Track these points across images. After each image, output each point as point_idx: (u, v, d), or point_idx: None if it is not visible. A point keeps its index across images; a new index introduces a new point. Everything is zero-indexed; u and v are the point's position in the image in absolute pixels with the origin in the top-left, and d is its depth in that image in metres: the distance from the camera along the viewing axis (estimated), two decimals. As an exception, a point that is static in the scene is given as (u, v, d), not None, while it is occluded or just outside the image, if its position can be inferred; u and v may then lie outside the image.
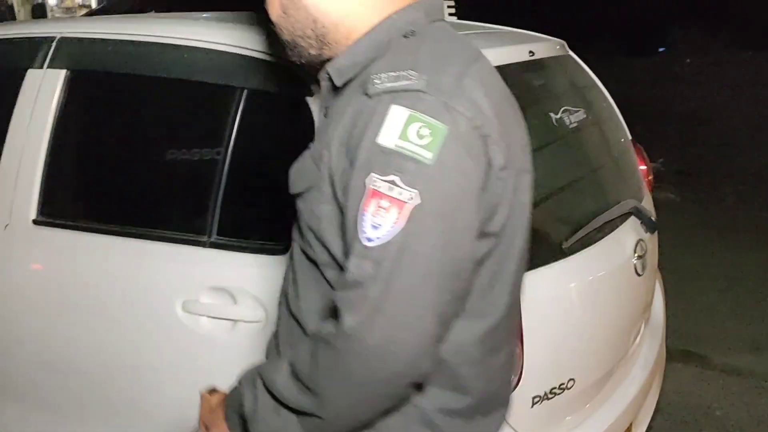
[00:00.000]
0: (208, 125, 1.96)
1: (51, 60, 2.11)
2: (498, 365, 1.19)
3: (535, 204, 1.93)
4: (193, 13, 2.29)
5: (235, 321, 1.81)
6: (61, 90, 2.09)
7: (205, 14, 2.22)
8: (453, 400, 1.13)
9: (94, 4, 22.66)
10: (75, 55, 2.10)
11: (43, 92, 2.11)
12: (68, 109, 2.09)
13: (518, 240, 1.13)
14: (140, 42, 2.02)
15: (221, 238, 1.86)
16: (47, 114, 2.08)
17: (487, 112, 1.02)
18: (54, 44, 2.12)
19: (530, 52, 2.14)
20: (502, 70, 1.96)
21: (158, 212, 2.02)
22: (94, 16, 2.49)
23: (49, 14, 22.69)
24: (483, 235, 1.04)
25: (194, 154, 1.96)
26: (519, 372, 1.70)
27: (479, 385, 1.15)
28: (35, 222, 2.08)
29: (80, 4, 23.92)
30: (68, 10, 23.53)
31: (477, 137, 1.00)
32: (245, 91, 1.86)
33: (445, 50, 1.08)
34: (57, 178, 2.09)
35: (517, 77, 2.07)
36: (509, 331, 1.23)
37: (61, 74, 2.09)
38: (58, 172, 2.10)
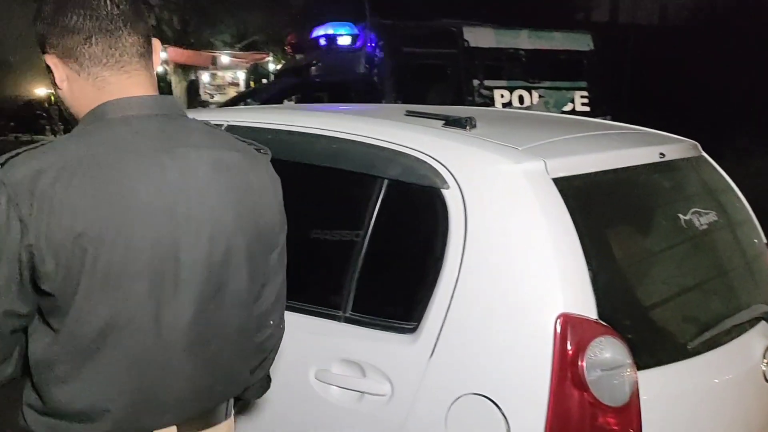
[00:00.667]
0: (350, 210, 2.14)
1: (217, 144, 2.37)
2: None
3: (662, 302, 1.99)
4: (339, 105, 2.51)
5: (362, 393, 1.93)
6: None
7: (352, 107, 2.44)
8: None
9: (242, 83, 24.31)
10: (238, 141, 2.36)
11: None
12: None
13: None
14: (296, 132, 2.25)
15: (355, 314, 2.01)
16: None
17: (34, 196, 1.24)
18: (221, 131, 2.39)
19: (660, 154, 2.20)
20: (630, 171, 2.06)
21: (300, 286, 2.20)
22: (256, 106, 2.79)
23: (201, 91, 24.56)
24: None
25: (336, 235, 2.14)
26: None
27: None
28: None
29: (230, 82, 25.74)
30: (219, 87, 25.36)
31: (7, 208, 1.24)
32: (385, 181, 2.03)
33: (58, 145, 1.33)
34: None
35: (646, 178, 2.14)
36: None
37: (224, 157, 2.35)
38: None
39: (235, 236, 1.43)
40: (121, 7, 1.37)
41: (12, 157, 1.28)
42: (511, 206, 1.83)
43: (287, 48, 9.05)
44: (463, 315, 1.81)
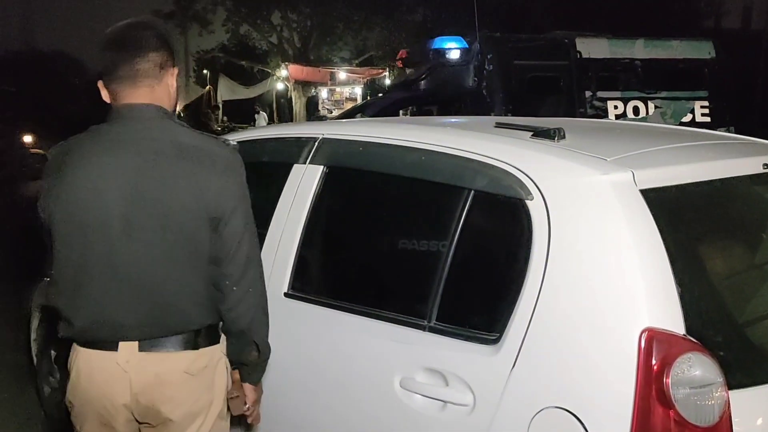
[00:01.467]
0: (437, 221, 2.16)
1: (313, 157, 2.47)
2: None
3: (757, 319, 1.89)
4: (433, 118, 2.54)
5: (445, 402, 1.94)
6: (318, 183, 2.42)
7: (442, 119, 2.47)
8: None
9: (359, 99, 24.78)
10: (332, 153, 2.44)
11: (303, 184, 2.46)
12: (322, 199, 2.41)
13: None
14: (386, 144, 2.30)
15: (440, 323, 2.03)
16: (305, 203, 2.43)
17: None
18: (316, 144, 2.48)
19: (765, 165, 2.10)
20: (728, 182, 1.97)
21: (387, 295, 2.25)
22: (351, 120, 2.87)
23: (320, 106, 25.24)
24: None
25: (422, 246, 2.16)
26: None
27: None
28: (286, 295, 2.40)
29: (347, 97, 26.29)
30: (337, 102, 25.97)
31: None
32: (471, 192, 2.04)
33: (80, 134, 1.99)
34: (307, 258, 2.41)
35: (745, 190, 2.05)
36: None
37: (320, 169, 2.43)
38: (309, 253, 2.41)
39: (169, 207, 1.88)
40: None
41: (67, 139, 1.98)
42: (597, 217, 1.80)
43: (398, 63, 9.15)
44: (546, 327, 1.79)
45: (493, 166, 2.01)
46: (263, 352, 2.05)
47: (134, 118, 1.93)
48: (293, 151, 2.56)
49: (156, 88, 1.96)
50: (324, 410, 2.24)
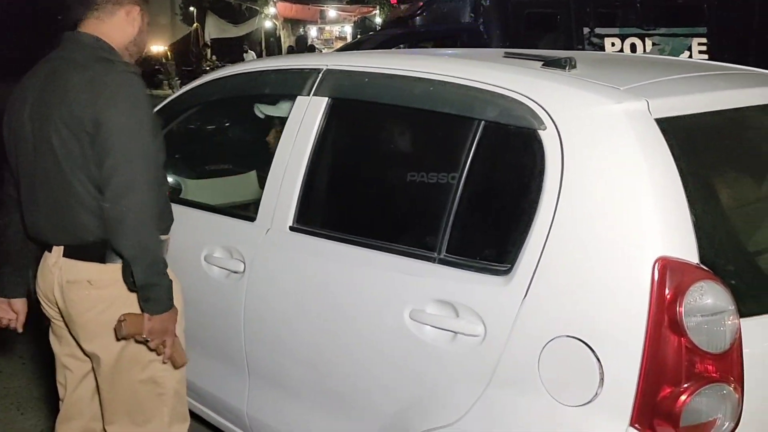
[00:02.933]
0: (446, 152, 2.14)
1: (317, 88, 2.42)
2: None
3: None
4: (438, 49, 2.49)
5: (455, 333, 1.95)
6: (323, 115, 2.38)
7: (449, 51, 2.42)
8: None
9: (349, 37, 24.43)
10: (337, 85, 2.39)
11: (307, 116, 2.42)
12: (327, 132, 2.38)
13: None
14: (393, 75, 2.26)
15: (450, 255, 2.02)
16: (309, 135, 2.39)
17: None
18: (320, 75, 2.43)
19: (776, 94, 2.08)
20: (741, 112, 1.96)
21: (395, 228, 2.24)
22: (355, 51, 2.81)
23: (309, 45, 24.85)
24: None
25: (431, 178, 2.14)
26: (737, 418, 1.67)
27: None
28: (291, 228, 2.39)
29: (337, 36, 25.92)
30: (326, 41, 25.60)
31: None
32: (482, 122, 2.01)
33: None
34: (312, 192, 2.39)
35: (758, 121, 2.03)
36: None
37: (324, 101, 2.39)
38: (314, 186, 2.39)
39: (54, 121, 2.01)
40: None
41: None
42: (611, 147, 1.78)
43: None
44: (558, 257, 1.79)
45: (503, 96, 1.98)
46: (140, 279, 2.05)
47: (70, 43, 2.10)
48: (296, 83, 2.51)
49: (106, 22, 2.11)
50: (332, 344, 2.25)
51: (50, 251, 2.18)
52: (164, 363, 2.20)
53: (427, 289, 2.03)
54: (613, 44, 7.16)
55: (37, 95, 2.07)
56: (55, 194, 2.08)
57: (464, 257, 2.00)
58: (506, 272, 1.88)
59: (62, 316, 2.24)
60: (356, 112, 2.40)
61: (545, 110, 1.89)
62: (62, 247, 2.14)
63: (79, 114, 1.98)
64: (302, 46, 24.73)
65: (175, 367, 2.23)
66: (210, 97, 2.93)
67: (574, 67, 2.04)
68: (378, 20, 23.36)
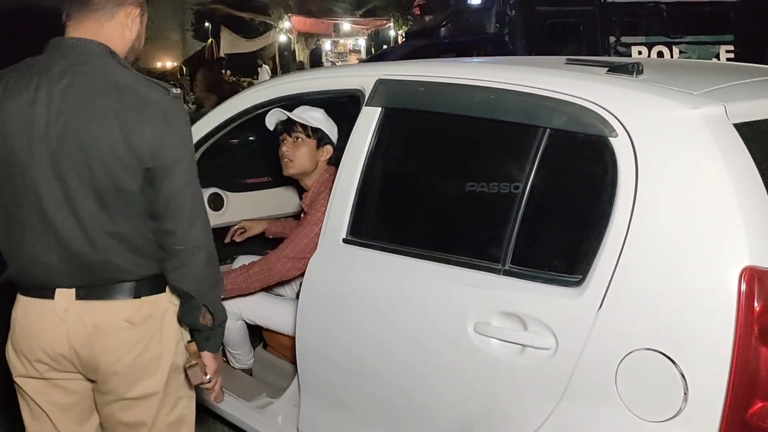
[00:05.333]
0: (509, 161, 2.10)
1: (370, 99, 2.38)
2: None
3: None
4: (496, 57, 2.45)
5: (524, 346, 1.90)
6: (376, 125, 2.34)
7: (508, 58, 2.38)
8: None
9: (363, 51, 24.49)
10: (390, 95, 2.35)
11: (360, 127, 2.38)
12: (381, 142, 2.34)
13: None
14: (450, 84, 2.21)
15: (515, 266, 1.97)
16: (363, 146, 2.35)
17: None
18: (373, 85, 2.39)
19: None
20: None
21: (457, 239, 2.19)
22: (408, 61, 2.77)
23: (323, 59, 24.95)
24: None
25: (494, 187, 2.09)
26: None
27: None
28: (345, 241, 2.34)
29: (351, 49, 25.98)
30: (340, 54, 25.67)
31: None
32: (547, 130, 1.97)
33: None
34: (366, 203, 2.35)
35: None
36: None
37: (377, 111, 2.35)
38: (368, 197, 2.35)
39: (98, 149, 1.75)
40: None
41: None
42: (689, 153, 1.74)
43: (415, 9, 8.99)
44: (635, 267, 1.73)
45: (570, 103, 1.93)
46: (217, 317, 1.93)
47: (72, 51, 1.81)
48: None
49: (105, 26, 1.84)
50: (392, 360, 2.20)
51: (50, 297, 1.86)
52: (216, 401, 2.11)
53: (492, 301, 1.98)
54: (639, 53, 7.12)
55: (58, 114, 1.75)
56: (87, 233, 1.80)
57: (531, 268, 1.95)
58: (578, 283, 1.83)
59: (80, 372, 1.93)
60: (412, 121, 2.35)
61: (615, 117, 1.84)
62: (72, 290, 1.85)
63: (137, 145, 1.75)
64: (316, 60, 24.82)
65: (217, 402, 2.11)
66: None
67: (641, 72, 2.00)
68: (392, 33, 23.41)
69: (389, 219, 2.41)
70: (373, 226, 2.38)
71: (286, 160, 2.98)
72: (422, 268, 2.15)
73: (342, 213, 2.36)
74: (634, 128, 1.81)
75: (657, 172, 1.75)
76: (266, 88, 2.88)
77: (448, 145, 2.29)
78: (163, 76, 27.09)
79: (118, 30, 1.87)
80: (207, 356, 1.98)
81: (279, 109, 2.88)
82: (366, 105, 2.39)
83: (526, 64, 2.21)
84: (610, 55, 7.02)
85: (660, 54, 7.16)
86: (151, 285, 1.91)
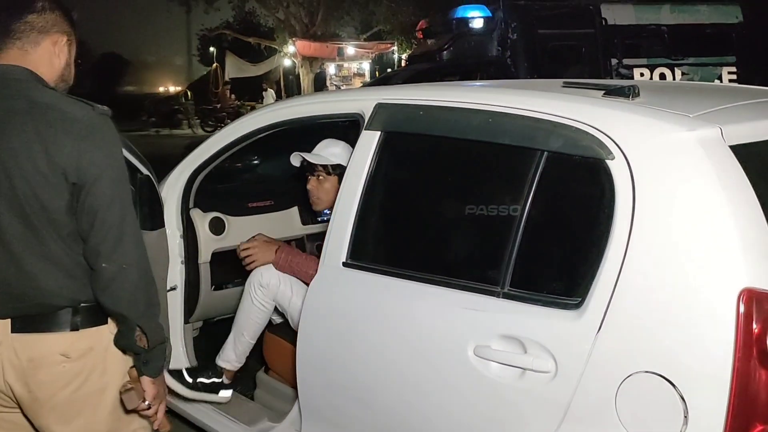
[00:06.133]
0: (507, 184, 2.10)
1: (369, 123, 2.40)
2: None
3: None
4: (494, 81, 2.47)
5: (524, 369, 1.89)
6: (375, 149, 2.35)
7: (505, 82, 2.39)
8: None
9: (367, 74, 24.61)
10: (390, 119, 2.37)
11: (359, 150, 2.39)
12: (380, 166, 2.35)
13: None
14: (449, 107, 2.23)
15: (514, 289, 1.97)
16: (362, 169, 2.36)
17: None
18: (372, 109, 2.41)
19: None
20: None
21: (457, 262, 2.19)
22: (407, 85, 2.80)
23: (328, 82, 25.10)
24: None
25: (492, 210, 2.10)
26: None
27: None
28: (345, 264, 2.34)
29: (355, 72, 26.12)
30: (345, 78, 25.80)
31: None
32: (545, 153, 1.97)
33: None
34: (366, 226, 2.35)
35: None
36: None
37: (377, 135, 2.36)
38: (368, 221, 2.35)
39: (21, 170, 1.71)
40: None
41: None
42: (685, 176, 1.74)
43: (418, 33, 9.04)
44: (634, 289, 1.73)
45: (567, 126, 1.94)
46: (152, 339, 1.86)
47: None
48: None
49: (30, 53, 1.83)
50: (392, 383, 2.19)
51: None
52: (162, 430, 2.02)
53: (492, 324, 1.98)
54: (641, 75, 7.15)
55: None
56: (15, 256, 1.76)
57: (530, 291, 1.95)
58: (577, 306, 1.83)
59: (17, 405, 1.88)
60: (411, 145, 2.36)
61: (612, 139, 1.85)
62: (7, 321, 1.79)
63: (59, 161, 1.71)
64: (320, 84, 24.96)
65: (163, 429, 2.03)
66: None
67: (638, 95, 2.01)
68: (395, 56, 23.55)
69: (389, 242, 2.42)
70: (373, 250, 2.38)
71: (314, 198, 3.12)
72: (422, 291, 2.15)
73: (342, 236, 2.36)
74: (630, 151, 1.81)
75: (654, 194, 1.76)
76: (267, 113, 2.90)
77: (446, 169, 2.30)
78: (169, 99, 27.27)
79: (44, 58, 1.85)
80: (146, 381, 1.91)
81: (299, 153, 3.04)
82: (365, 129, 2.41)
83: (523, 87, 2.22)
84: (612, 77, 7.06)
85: (662, 76, 7.19)
86: (90, 315, 1.85)
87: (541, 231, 2.00)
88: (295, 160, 3.10)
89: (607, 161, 1.84)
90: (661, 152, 1.79)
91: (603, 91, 2.07)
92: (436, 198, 2.30)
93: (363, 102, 2.50)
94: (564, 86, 2.25)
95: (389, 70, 22.81)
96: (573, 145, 1.92)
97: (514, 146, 2.06)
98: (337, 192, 2.83)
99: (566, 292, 1.88)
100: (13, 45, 1.82)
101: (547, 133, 1.98)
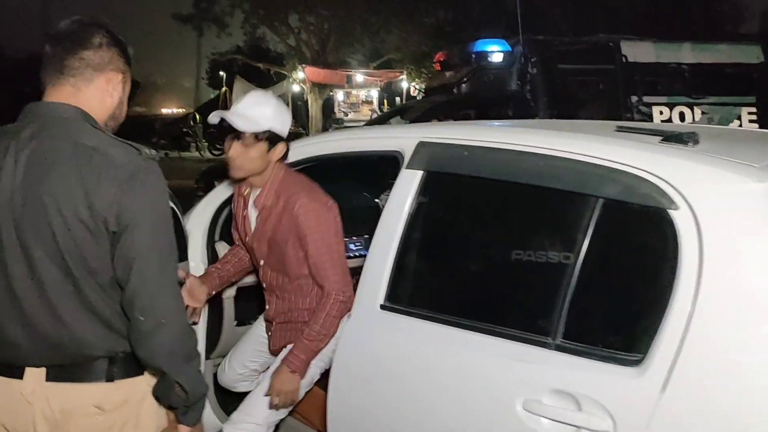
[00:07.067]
0: (559, 230, 2.02)
1: (411, 161, 2.32)
2: None
3: None
4: (541, 121, 2.40)
5: (578, 428, 1.80)
6: (417, 188, 2.28)
7: (554, 122, 2.33)
8: None
9: (375, 102, 24.68)
10: (433, 158, 2.30)
11: (399, 189, 2.32)
12: (422, 206, 2.27)
13: None
14: (497, 149, 2.16)
15: (567, 341, 1.88)
16: (402, 209, 2.28)
17: None
18: (414, 147, 2.34)
19: None
20: None
21: (504, 310, 2.11)
22: (449, 122, 2.74)
23: (336, 109, 25.16)
24: None
25: (542, 257, 2.02)
26: None
27: None
28: (382, 307, 2.26)
29: (363, 100, 26.20)
30: (353, 105, 25.87)
31: None
32: (600, 200, 1.90)
33: None
34: (406, 268, 2.27)
35: None
36: None
37: (418, 174, 2.29)
38: (408, 262, 2.27)
39: (62, 215, 1.64)
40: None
41: None
42: (756, 228, 1.66)
43: (435, 65, 9.03)
44: (702, 348, 1.65)
45: (625, 173, 1.87)
46: (192, 392, 1.78)
47: (42, 115, 1.73)
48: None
49: (83, 90, 1.75)
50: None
51: (19, 377, 1.72)
52: None
53: (543, 377, 1.89)
54: (661, 113, 7.12)
55: (22, 180, 1.67)
56: (51, 304, 1.69)
57: (584, 344, 1.86)
58: (638, 362, 1.74)
59: None
60: (455, 186, 2.29)
61: (675, 188, 1.78)
62: (42, 370, 1.72)
63: (100, 208, 1.64)
64: (329, 110, 25.02)
65: None
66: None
67: (697, 142, 1.94)
68: (404, 84, 23.61)
69: (431, 285, 2.34)
70: (414, 293, 2.30)
71: (235, 165, 2.62)
72: (466, 339, 2.06)
73: (379, 277, 2.28)
74: (696, 201, 1.74)
75: (723, 247, 1.68)
76: (298, 147, 2.83)
77: (494, 212, 2.22)
78: (177, 122, 27.33)
79: (96, 96, 1.78)
80: (183, 430, 1.86)
81: (219, 111, 2.64)
82: (406, 167, 2.34)
83: (576, 129, 2.15)
84: (632, 115, 7.02)
85: (682, 114, 7.15)
86: (126, 365, 1.77)
87: (596, 281, 1.92)
88: (215, 118, 2.64)
89: (670, 211, 1.76)
90: (730, 204, 1.72)
91: (660, 137, 2.00)
92: (482, 241, 2.22)
93: (403, 140, 2.43)
94: (617, 130, 2.18)
95: (398, 98, 22.85)
96: (631, 192, 1.85)
97: (568, 192, 1.98)
98: (263, 160, 2.59)
99: (625, 347, 1.79)
100: (67, 82, 1.74)
101: (603, 179, 1.91)
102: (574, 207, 1.97)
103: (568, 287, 1.90)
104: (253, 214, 2.73)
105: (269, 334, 2.82)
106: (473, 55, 7.38)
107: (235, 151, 2.59)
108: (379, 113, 18.65)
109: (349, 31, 24.12)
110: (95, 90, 1.77)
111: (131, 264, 1.67)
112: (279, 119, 2.59)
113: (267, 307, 2.82)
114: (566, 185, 1.99)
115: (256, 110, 2.57)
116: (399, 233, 2.27)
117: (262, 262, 2.74)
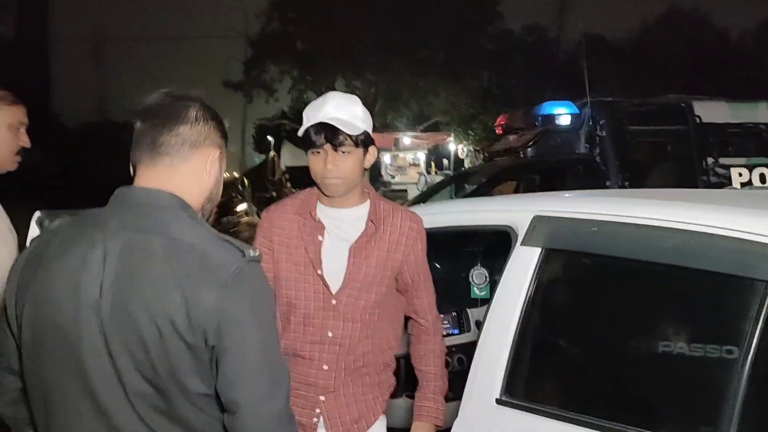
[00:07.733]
0: (720, 319, 1.76)
1: (527, 237, 2.10)
2: None
3: None
4: (677, 190, 2.16)
5: None
6: (535, 268, 2.04)
7: (699, 193, 2.08)
8: None
9: (422, 165, 24.66)
10: (553, 234, 2.06)
11: (514, 269, 2.09)
12: (541, 288, 2.03)
13: None
14: (632, 224, 1.91)
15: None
16: (519, 291, 2.05)
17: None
18: (530, 222, 2.11)
19: None
20: None
21: (649, 411, 1.83)
22: (567, 193, 2.53)
23: (383, 171, 25.18)
24: None
25: (697, 350, 1.75)
26: None
27: None
28: (498, 402, 2.00)
29: (411, 163, 26.21)
30: (400, 168, 25.89)
31: None
32: (768, 285, 1.64)
33: None
34: (527, 358, 2.02)
35: None
36: None
37: (536, 252, 2.06)
38: (529, 352, 2.02)
39: (153, 321, 1.43)
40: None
41: None
42: None
43: (497, 129, 8.86)
44: None
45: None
46: None
47: (134, 203, 1.53)
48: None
49: (179, 170, 1.56)
50: None
51: None
52: None
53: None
54: (740, 174, 6.79)
55: (110, 280, 1.46)
56: (141, 418, 1.48)
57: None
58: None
59: None
60: (582, 265, 2.05)
61: None
62: None
63: (197, 318, 1.43)
64: (376, 173, 25.04)
65: None
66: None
67: None
68: (452, 147, 23.54)
69: (558, 379, 2.07)
70: (537, 386, 2.04)
71: (333, 180, 2.17)
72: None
73: (494, 369, 2.03)
74: None
75: None
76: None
77: (631, 296, 1.96)
78: (225, 187, 27.66)
79: (192, 175, 1.58)
80: None
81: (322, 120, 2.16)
82: (521, 244, 2.11)
83: (725, 201, 1.91)
84: (708, 177, 6.71)
85: (762, 176, 6.82)
86: None
87: (770, 381, 1.64)
88: (315, 125, 2.16)
89: None
90: None
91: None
92: (619, 330, 1.96)
93: (515, 213, 2.21)
94: (775, 202, 1.93)
95: (445, 160, 22.76)
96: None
97: (728, 275, 1.72)
98: (361, 169, 2.20)
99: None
100: (161, 161, 1.55)
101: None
102: (736, 292, 1.71)
103: (735, 387, 1.63)
104: (336, 239, 2.24)
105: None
106: (539, 118, 7.21)
107: (331, 161, 2.15)
108: (426, 176, 18.49)
109: (396, 95, 24.29)
110: (191, 168, 1.58)
111: (238, 385, 1.46)
112: (368, 119, 2.24)
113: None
114: (724, 267, 1.73)
115: (349, 110, 2.18)
116: (516, 317, 2.03)
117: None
